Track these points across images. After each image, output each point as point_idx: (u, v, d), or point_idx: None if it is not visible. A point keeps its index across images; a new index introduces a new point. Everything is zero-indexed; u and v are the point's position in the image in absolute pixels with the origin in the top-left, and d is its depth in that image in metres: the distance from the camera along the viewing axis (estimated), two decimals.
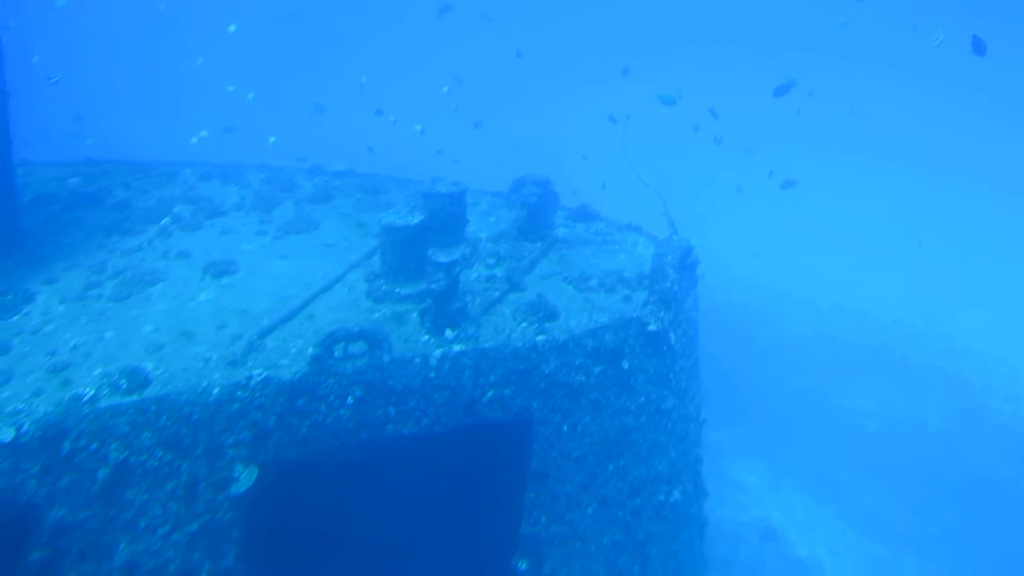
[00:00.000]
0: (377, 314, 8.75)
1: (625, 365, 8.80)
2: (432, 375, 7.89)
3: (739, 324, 23.89)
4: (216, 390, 7.09)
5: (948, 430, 19.67)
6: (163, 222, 10.71)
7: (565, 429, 8.40)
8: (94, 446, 6.72)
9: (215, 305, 8.65)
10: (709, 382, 11.49)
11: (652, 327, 9.02)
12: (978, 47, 12.82)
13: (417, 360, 7.89)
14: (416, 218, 9.28)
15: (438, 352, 8.00)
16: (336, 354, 7.64)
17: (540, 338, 8.43)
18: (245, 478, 6.97)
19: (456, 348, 8.11)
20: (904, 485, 17.38)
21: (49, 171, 12.76)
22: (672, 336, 9.26)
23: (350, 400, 7.53)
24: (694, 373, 9.83)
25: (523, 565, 8.11)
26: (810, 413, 19.81)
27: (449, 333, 8.35)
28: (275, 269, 9.68)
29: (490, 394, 8.08)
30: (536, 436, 8.27)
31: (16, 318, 8.19)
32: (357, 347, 7.75)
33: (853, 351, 23.66)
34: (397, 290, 8.98)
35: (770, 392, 20.39)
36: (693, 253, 10.19)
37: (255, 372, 7.29)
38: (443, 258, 8.71)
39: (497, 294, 9.33)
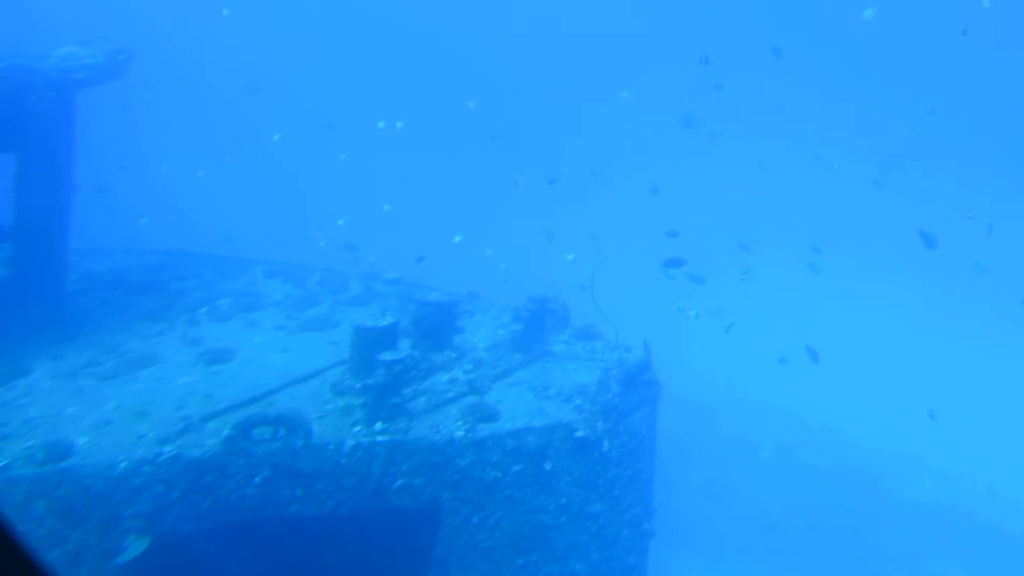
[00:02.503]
0: (330, 405, 9.75)
1: (547, 467, 9.43)
2: (343, 461, 8.80)
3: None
4: (123, 464, 8.21)
5: None
6: (199, 311, 12.13)
7: (475, 521, 9.10)
8: None
9: (187, 388, 9.86)
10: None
11: (580, 433, 9.64)
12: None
13: (331, 447, 8.82)
14: (385, 321, 10.30)
15: (352, 441, 8.91)
16: (254, 437, 8.66)
17: (458, 435, 9.21)
18: (134, 548, 7.97)
19: (377, 438, 9.00)
20: None
21: (143, 258, 14.54)
22: (606, 444, 9.82)
23: (257, 479, 8.52)
24: (635, 483, 10.28)
25: None
26: None
27: (379, 425, 9.27)
28: (269, 360, 10.85)
29: (400, 482, 8.91)
30: (443, 525, 9.00)
31: (0, 390, 9.64)
32: (273, 431, 8.74)
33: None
34: (356, 385, 9.95)
35: None
36: (649, 371, 10.73)
37: (165, 449, 8.40)
38: (386, 357, 9.70)
39: (451, 395, 10.16)
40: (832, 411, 21.96)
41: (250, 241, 19.02)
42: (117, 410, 9.25)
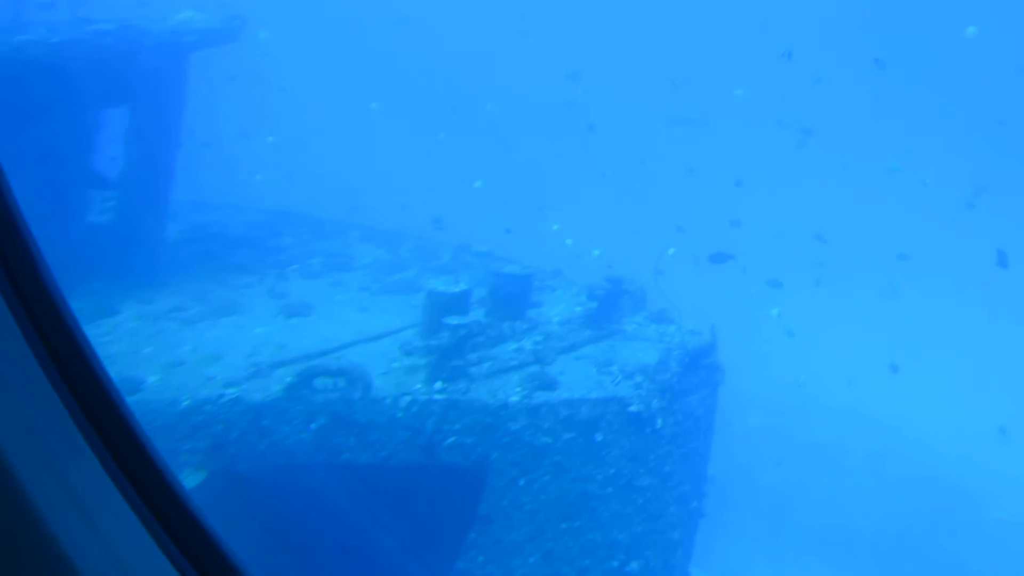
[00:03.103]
0: (396, 364, 10.17)
1: (598, 437, 9.68)
2: (399, 415, 9.22)
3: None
4: (186, 402, 8.78)
5: None
6: (290, 268, 12.70)
7: (522, 483, 9.42)
8: None
9: (262, 338, 10.40)
10: None
11: (633, 408, 9.85)
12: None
13: (387, 401, 9.25)
14: (458, 287, 10.65)
15: (408, 397, 9.31)
16: (315, 386, 9.13)
17: (513, 399, 9.53)
18: (189, 481, 8.53)
19: (434, 397, 9.39)
20: None
21: (249, 215, 15.23)
22: (659, 421, 10.00)
23: (314, 426, 8.99)
24: (687, 462, 10.43)
25: None
26: None
27: (439, 385, 9.65)
28: (347, 318, 11.33)
29: (451, 439, 9.30)
30: (490, 484, 9.35)
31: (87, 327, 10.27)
32: (334, 382, 9.21)
33: None
34: (423, 345, 10.35)
35: None
36: (711, 355, 10.87)
37: (228, 391, 8.92)
38: (452, 321, 10.06)
39: (515, 363, 10.46)
40: (922, 422, 21.35)
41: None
42: (191, 352, 9.82)
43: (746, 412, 19.78)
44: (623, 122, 27.47)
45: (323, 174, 22.36)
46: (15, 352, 1.56)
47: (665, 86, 27.93)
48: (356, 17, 28.78)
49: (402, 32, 28.73)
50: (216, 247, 13.34)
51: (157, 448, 1.73)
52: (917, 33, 28.72)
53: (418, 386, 9.60)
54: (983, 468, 20.32)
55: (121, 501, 1.62)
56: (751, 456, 18.57)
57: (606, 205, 25.96)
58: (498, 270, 11.67)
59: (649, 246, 17.23)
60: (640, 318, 12.44)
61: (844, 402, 21.69)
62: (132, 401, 8.29)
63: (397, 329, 11.06)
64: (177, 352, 9.82)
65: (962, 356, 24.09)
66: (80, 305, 10.44)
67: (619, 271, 12.98)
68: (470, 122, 26.97)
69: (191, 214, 14.36)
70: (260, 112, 24.01)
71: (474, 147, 26.16)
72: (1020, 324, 25.45)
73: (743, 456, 18.46)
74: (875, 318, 25.31)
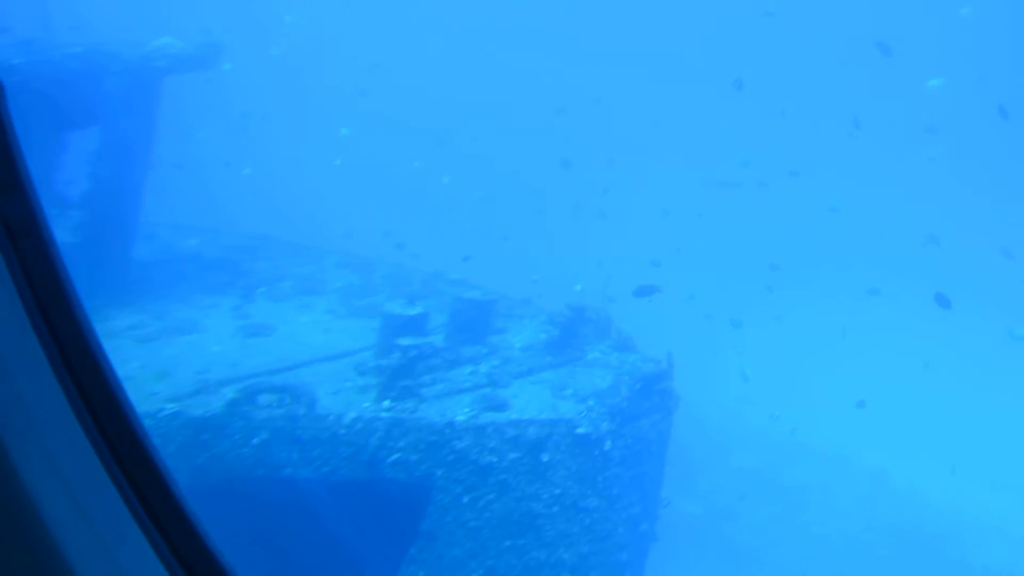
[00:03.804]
0: (349, 383, 10.25)
1: (545, 458, 9.70)
2: (342, 432, 9.29)
3: None
4: None
5: None
6: (258, 290, 12.81)
7: (465, 500, 9.45)
8: None
9: (217, 356, 10.49)
10: None
11: (581, 430, 9.87)
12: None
13: (331, 417, 9.31)
14: (415, 310, 10.75)
15: (353, 414, 9.37)
16: (259, 403, 9.20)
17: (459, 419, 9.57)
18: None
19: (380, 415, 9.45)
20: None
21: (227, 239, 15.36)
22: (608, 443, 10.02)
23: (255, 441, 9.04)
24: (636, 485, 10.41)
25: None
26: None
27: (387, 403, 9.73)
28: (308, 339, 11.41)
29: (395, 456, 9.34)
30: (434, 501, 9.37)
31: None
32: (278, 399, 9.28)
33: None
34: (375, 366, 10.42)
35: None
36: (666, 382, 10.90)
37: (168, 406, 9.00)
38: (404, 342, 10.15)
39: (468, 385, 10.51)
40: (909, 468, 21.14)
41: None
42: (140, 368, 9.90)
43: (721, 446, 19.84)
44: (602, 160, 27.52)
45: (302, 200, 22.53)
46: (19, 339, 1.56)
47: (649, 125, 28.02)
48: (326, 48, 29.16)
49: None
50: (188, 268, 13.47)
51: (155, 445, 1.76)
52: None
53: (366, 404, 9.66)
54: (968, 517, 20.10)
55: (115, 495, 1.65)
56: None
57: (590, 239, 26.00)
58: (459, 295, 11.75)
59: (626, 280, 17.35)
60: (603, 346, 12.46)
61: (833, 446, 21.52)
62: None
63: (355, 351, 11.14)
64: (125, 368, 9.89)
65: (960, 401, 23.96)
66: None
67: (587, 301, 13.02)
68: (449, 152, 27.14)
69: (168, 236, 14.53)
70: (237, 140, 24.24)
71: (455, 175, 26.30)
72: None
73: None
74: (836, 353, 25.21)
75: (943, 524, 19.70)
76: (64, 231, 11.69)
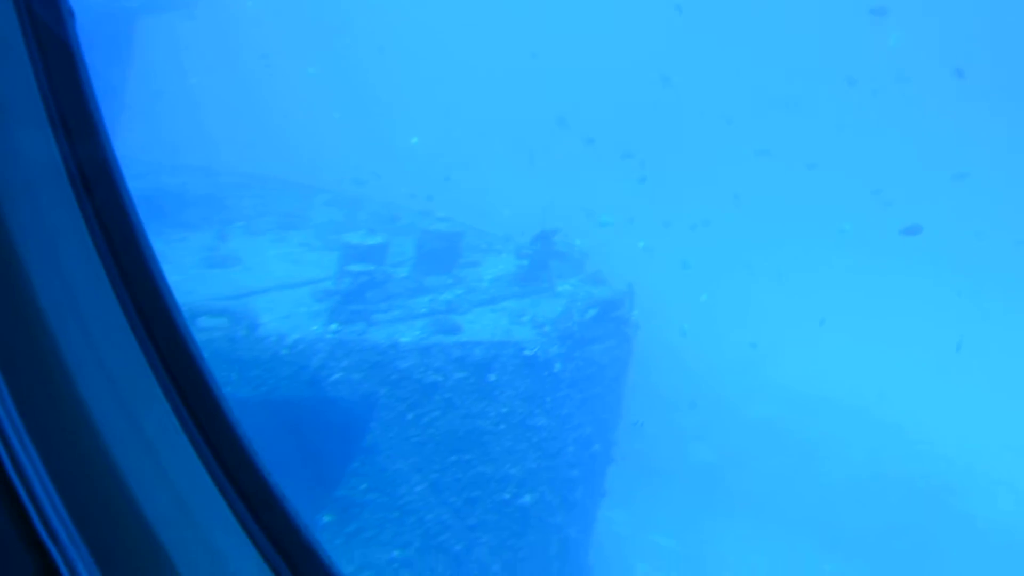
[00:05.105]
0: (303, 309, 10.42)
1: (491, 378, 9.84)
2: (283, 352, 9.46)
3: None
4: None
5: None
6: (235, 224, 12.99)
7: (409, 417, 9.62)
8: None
9: (173, 286, 10.65)
10: None
11: (528, 352, 9.99)
12: None
13: (272, 339, 9.48)
14: (373, 240, 10.91)
15: (295, 335, 9.54)
16: (198, 325, 9.39)
17: (404, 340, 9.73)
18: None
19: (325, 336, 9.64)
20: None
21: (220, 178, 15.52)
22: (557, 365, 10.12)
23: None
24: (587, 406, 10.49)
25: (327, 519, 9.38)
26: None
27: (334, 326, 9.91)
28: (272, 270, 11.57)
29: (337, 376, 9.50)
30: (375, 418, 9.54)
31: None
32: (218, 322, 9.47)
33: None
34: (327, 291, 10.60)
35: None
36: (622, 309, 10.93)
37: None
38: (354, 268, 10.31)
39: (424, 311, 10.64)
40: (926, 424, 20.85)
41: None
42: None
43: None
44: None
45: (302, 141, 22.40)
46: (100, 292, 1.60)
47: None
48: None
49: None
50: (168, 205, 13.65)
51: (225, 395, 1.80)
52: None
53: (314, 327, 9.82)
54: (976, 470, 19.91)
55: (188, 446, 1.68)
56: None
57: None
58: (425, 227, 11.84)
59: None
60: (576, 280, 12.51)
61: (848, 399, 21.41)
62: None
63: (316, 280, 11.28)
64: None
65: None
66: None
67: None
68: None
69: (158, 176, 14.73)
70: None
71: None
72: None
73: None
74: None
75: (953, 477, 19.51)
76: None
